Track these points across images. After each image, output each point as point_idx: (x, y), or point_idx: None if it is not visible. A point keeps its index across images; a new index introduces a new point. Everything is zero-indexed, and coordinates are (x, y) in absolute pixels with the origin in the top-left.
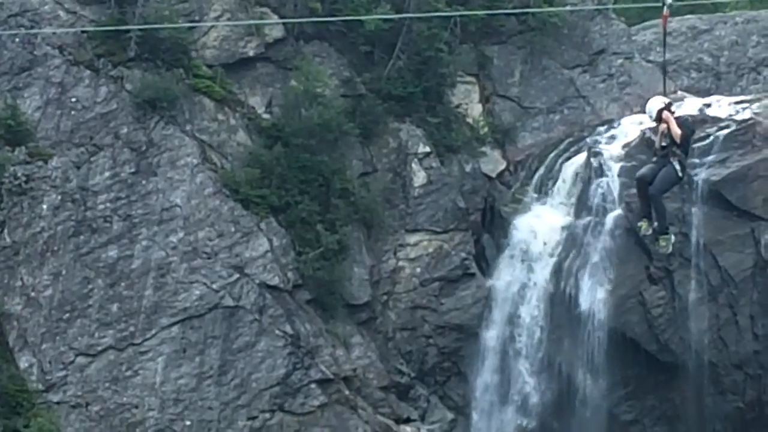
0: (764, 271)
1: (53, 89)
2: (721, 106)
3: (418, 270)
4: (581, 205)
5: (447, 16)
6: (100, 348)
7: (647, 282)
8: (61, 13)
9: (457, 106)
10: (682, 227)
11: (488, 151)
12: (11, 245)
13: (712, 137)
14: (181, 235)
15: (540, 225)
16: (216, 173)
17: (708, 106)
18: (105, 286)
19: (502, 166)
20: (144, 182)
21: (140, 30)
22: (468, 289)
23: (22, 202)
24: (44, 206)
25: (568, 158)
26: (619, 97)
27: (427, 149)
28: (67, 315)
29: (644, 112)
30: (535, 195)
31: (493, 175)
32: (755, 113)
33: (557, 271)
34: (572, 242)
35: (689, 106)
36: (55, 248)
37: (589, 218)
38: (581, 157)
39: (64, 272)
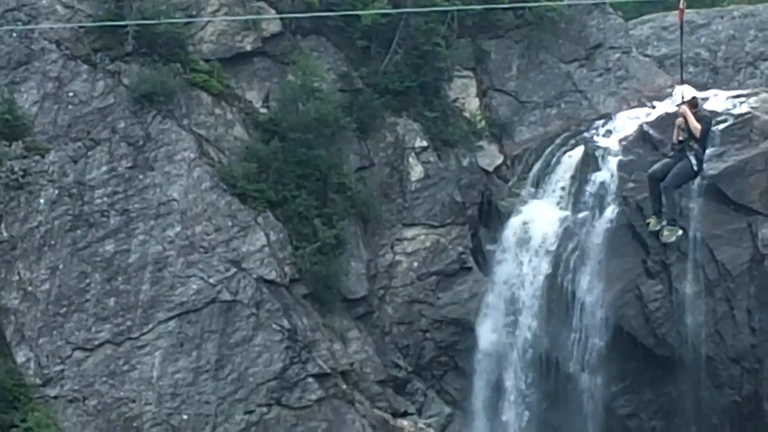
0: (761, 265)
1: (50, 84)
2: (718, 100)
3: (415, 264)
4: (578, 199)
5: (444, 10)
6: (97, 342)
7: (644, 276)
8: (59, 7)
9: (454, 101)
10: (680, 221)
11: (485, 145)
12: (8, 239)
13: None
14: (178, 229)
15: (537, 219)
16: (213, 167)
17: (705, 100)
18: (102, 280)
19: (499, 160)
20: (141, 176)
21: (137, 24)
22: (465, 284)
23: (19, 196)
24: (41, 200)
25: (566, 152)
26: (616, 91)
27: (424, 143)
28: (64, 309)
29: (642, 106)
30: (532, 189)
31: (490, 169)
32: (752, 107)
33: (554, 266)
34: (569, 236)
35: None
36: (53, 242)
37: (586, 212)
38: (578, 152)
39: (61, 266)
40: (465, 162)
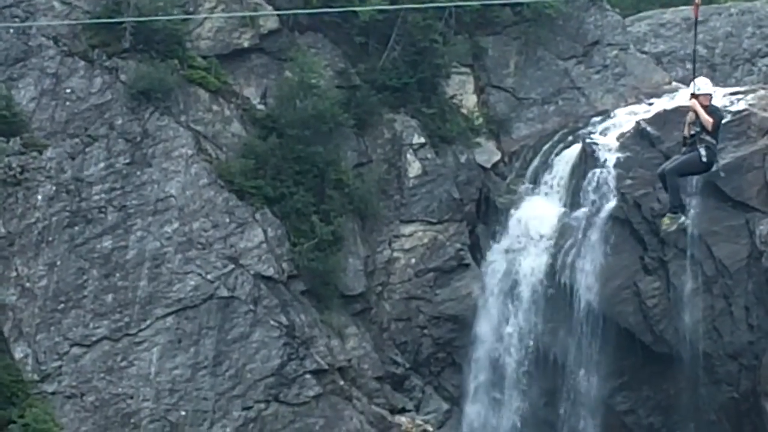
0: (759, 261)
1: (48, 80)
2: (715, 97)
3: (413, 261)
4: (576, 196)
5: (442, 6)
6: (94, 338)
7: (642, 272)
8: (56, 4)
9: (452, 97)
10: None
11: (483, 142)
12: (6, 236)
13: None
14: (175, 225)
15: (535, 216)
16: (211, 164)
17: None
18: (100, 276)
19: (497, 157)
20: (139, 173)
21: (135, 21)
22: (463, 280)
23: (17, 192)
24: (39, 197)
25: (563, 149)
26: (613, 88)
27: (422, 140)
28: (62, 305)
29: (639, 103)
30: (530, 186)
31: (488, 166)
32: (750, 104)
33: (552, 262)
34: (567, 233)
35: (683, 97)
36: (50, 239)
37: (583, 209)
38: (576, 148)
39: (58, 263)
40: (463, 159)
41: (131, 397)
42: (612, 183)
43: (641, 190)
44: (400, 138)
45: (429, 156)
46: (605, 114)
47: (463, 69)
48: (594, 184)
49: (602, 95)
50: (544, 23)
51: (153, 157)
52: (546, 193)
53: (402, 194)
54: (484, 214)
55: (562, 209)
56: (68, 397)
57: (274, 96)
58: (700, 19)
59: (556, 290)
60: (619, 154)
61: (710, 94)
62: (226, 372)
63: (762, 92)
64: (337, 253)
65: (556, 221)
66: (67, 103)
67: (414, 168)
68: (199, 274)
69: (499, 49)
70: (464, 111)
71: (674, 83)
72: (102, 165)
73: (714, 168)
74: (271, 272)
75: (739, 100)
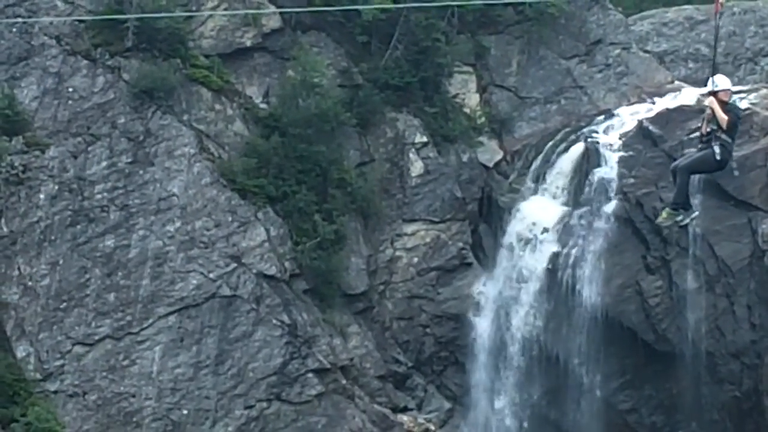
0: (761, 260)
1: (50, 79)
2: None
3: (415, 260)
4: (578, 195)
5: (444, 6)
6: (97, 337)
7: (644, 271)
8: (59, 2)
9: (455, 96)
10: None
11: (485, 141)
12: (8, 235)
13: None
14: (178, 224)
15: (537, 215)
16: (213, 163)
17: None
18: (102, 275)
19: (499, 156)
20: (141, 172)
21: (137, 20)
22: (465, 279)
23: (20, 191)
24: (41, 196)
25: (566, 148)
26: (616, 87)
27: (424, 139)
28: (65, 304)
29: (641, 102)
30: (532, 185)
31: (490, 165)
32: (752, 104)
33: (554, 261)
34: (569, 232)
35: (686, 96)
36: (53, 238)
37: (586, 208)
38: (578, 147)
39: (61, 262)
40: (465, 158)
41: (133, 396)
42: (614, 182)
43: (643, 189)
44: (403, 137)
45: (431, 155)
46: (607, 113)
47: (466, 68)
48: (596, 183)
49: (604, 94)
50: (547, 22)
51: (155, 156)
52: (548, 192)
53: (404, 193)
54: (486, 213)
55: (565, 208)
56: (70, 396)
57: (276, 95)
58: (702, 18)
59: (559, 289)
60: (622, 153)
61: (730, 90)
62: (229, 371)
63: (764, 91)
64: (339, 252)
65: (558, 220)
66: (70, 102)
67: (416, 167)
68: (202, 273)
69: (502, 48)
70: (467, 110)
71: (677, 82)
72: (104, 164)
73: (727, 167)
74: (273, 271)
75: (741, 99)
